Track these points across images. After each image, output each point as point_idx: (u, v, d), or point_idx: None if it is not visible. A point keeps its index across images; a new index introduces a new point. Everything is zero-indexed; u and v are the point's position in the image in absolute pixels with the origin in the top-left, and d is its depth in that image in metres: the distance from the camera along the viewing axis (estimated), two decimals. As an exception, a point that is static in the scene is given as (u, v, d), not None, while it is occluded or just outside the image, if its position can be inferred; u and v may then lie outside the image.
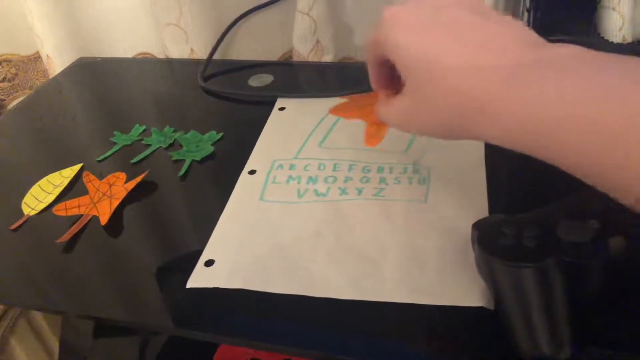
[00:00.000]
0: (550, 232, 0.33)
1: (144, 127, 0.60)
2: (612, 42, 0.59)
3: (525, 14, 0.61)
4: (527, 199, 0.45)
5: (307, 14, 0.67)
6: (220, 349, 0.67)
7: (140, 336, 0.69)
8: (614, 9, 0.58)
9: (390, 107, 0.37)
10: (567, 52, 0.27)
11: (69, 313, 0.46)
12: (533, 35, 0.30)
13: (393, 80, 0.39)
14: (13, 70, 0.86)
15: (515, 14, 0.65)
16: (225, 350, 0.67)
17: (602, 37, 0.60)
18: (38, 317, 0.82)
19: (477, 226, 0.37)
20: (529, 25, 0.61)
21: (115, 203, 0.48)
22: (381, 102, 0.39)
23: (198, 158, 0.54)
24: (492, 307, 0.35)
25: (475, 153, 0.49)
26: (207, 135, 0.57)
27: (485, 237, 0.35)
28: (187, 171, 0.53)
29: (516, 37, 0.30)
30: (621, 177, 0.24)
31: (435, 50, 0.30)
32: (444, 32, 0.31)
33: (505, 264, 0.33)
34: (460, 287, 0.37)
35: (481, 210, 0.43)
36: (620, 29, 0.59)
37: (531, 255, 0.32)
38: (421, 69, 0.31)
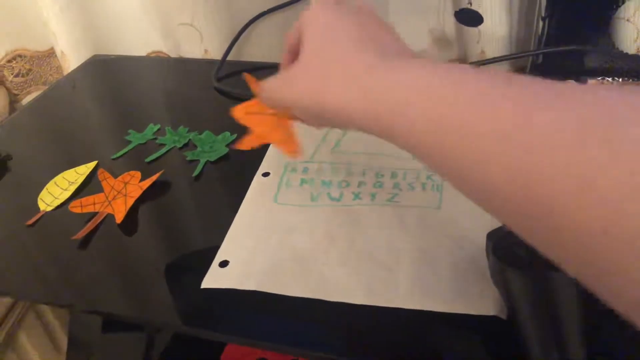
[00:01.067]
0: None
1: (158, 126, 0.61)
2: (626, 53, 0.59)
3: (541, 22, 0.61)
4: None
5: (322, 18, 0.67)
6: (227, 348, 0.68)
7: (147, 333, 0.69)
8: (628, 20, 0.58)
9: (273, 77, 0.38)
10: (421, 60, 0.29)
11: (77, 307, 0.46)
12: (414, 54, 0.33)
13: None
14: (27, 66, 0.87)
15: (529, 22, 0.65)
16: (232, 350, 0.67)
17: (617, 48, 0.60)
18: (46, 311, 0.83)
19: (492, 236, 0.37)
20: (543, 33, 0.61)
21: (131, 201, 0.49)
22: (266, 80, 0.39)
23: (212, 159, 0.54)
24: (505, 317, 0.36)
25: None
26: (220, 136, 0.58)
27: (499, 246, 0.35)
28: (201, 171, 0.53)
29: (403, 48, 0.33)
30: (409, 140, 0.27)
31: (338, 30, 0.33)
32: (353, 23, 0.33)
33: (520, 273, 0.33)
34: (473, 296, 0.37)
35: (495, 218, 0.43)
36: (635, 40, 0.59)
37: (545, 265, 0.33)
38: (317, 40, 0.34)
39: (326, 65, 0.32)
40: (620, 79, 0.60)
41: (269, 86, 0.38)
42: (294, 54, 0.38)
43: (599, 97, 0.21)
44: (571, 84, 0.23)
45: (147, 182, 0.51)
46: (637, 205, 0.18)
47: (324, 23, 0.34)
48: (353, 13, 0.35)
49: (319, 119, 0.34)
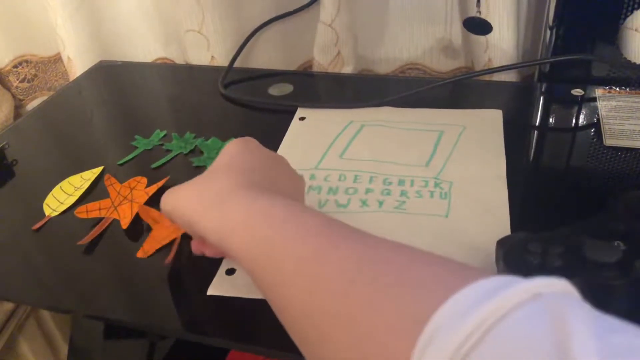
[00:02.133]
0: (576, 252, 0.33)
1: (164, 133, 0.61)
2: (634, 63, 0.59)
3: (548, 31, 0.61)
4: (549, 216, 0.45)
5: (330, 25, 0.67)
6: (230, 355, 0.67)
7: (149, 340, 0.69)
8: (636, 30, 0.58)
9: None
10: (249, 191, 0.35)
11: (81, 313, 0.46)
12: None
13: None
14: (33, 71, 0.87)
15: (537, 31, 0.65)
16: (236, 357, 0.67)
17: (625, 58, 0.60)
18: (46, 316, 0.82)
19: (502, 243, 0.37)
20: (551, 42, 0.61)
21: (137, 207, 0.49)
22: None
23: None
24: (515, 325, 0.35)
25: (497, 169, 0.49)
26: (227, 142, 0.57)
27: (510, 254, 0.35)
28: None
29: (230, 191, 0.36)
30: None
31: (219, 160, 0.40)
32: (231, 154, 0.40)
33: (532, 282, 0.32)
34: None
35: (503, 227, 0.43)
36: (643, 50, 0.59)
37: (557, 274, 0.32)
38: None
39: (197, 184, 0.38)
40: (627, 88, 0.60)
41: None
42: None
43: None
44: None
45: (153, 188, 0.50)
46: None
47: (222, 152, 0.40)
48: (260, 152, 0.41)
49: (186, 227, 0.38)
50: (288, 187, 0.40)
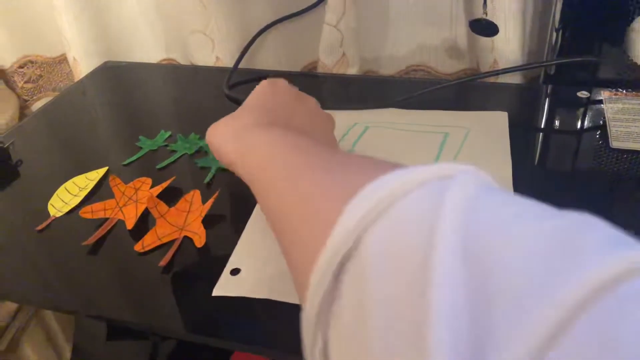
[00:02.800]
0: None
1: (169, 133, 0.61)
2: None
3: (554, 33, 0.61)
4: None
5: (335, 27, 0.67)
6: (233, 356, 0.67)
7: (151, 342, 0.69)
8: (643, 32, 0.58)
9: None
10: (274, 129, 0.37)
11: (82, 313, 0.46)
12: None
13: None
14: (37, 72, 0.87)
15: (542, 33, 0.65)
16: (239, 357, 0.67)
17: (631, 60, 0.60)
18: (50, 317, 0.82)
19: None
20: (557, 44, 0.61)
21: (142, 208, 0.49)
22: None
23: (224, 166, 0.54)
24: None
25: (502, 171, 0.49)
26: (232, 143, 0.57)
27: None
28: (212, 178, 0.53)
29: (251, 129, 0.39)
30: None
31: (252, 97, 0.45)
32: (263, 93, 0.45)
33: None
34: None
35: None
36: (649, 52, 0.59)
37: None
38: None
39: (233, 117, 0.42)
40: (634, 91, 0.60)
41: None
42: None
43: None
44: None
45: (158, 189, 0.50)
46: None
47: (257, 90, 0.45)
48: (284, 92, 0.45)
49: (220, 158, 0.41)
50: (312, 125, 0.44)
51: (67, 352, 0.82)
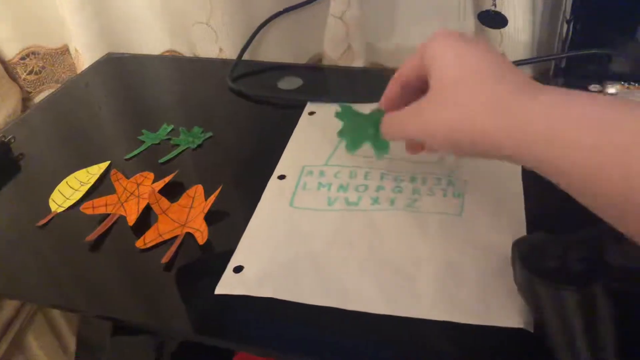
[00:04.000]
0: (597, 255, 0.32)
1: (172, 127, 0.60)
2: (653, 58, 0.58)
3: (565, 25, 0.59)
4: (565, 215, 0.43)
5: (340, 18, 0.66)
6: (237, 355, 0.67)
7: (157, 339, 0.68)
8: (657, 24, 0.57)
9: (399, 112, 0.38)
10: (565, 90, 0.31)
11: (88, 313, 0.45)
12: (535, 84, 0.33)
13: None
14: (40, 63, 0.86)
15: (553, 25, 0.63)
16: (243, 357, 0.66)
17: (644, 52, 0.58)
18: (55, 313, 0.82)
19: (518, 245, 0.35)
20: (567, 36, 0.60)
21: (143, 203, 0.48)
22: (389, 114, 0.41)
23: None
24: (531, 329, 0.34)
25: (512, 166, 0.48)
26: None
27: (527, 256, 0.34)
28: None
29: (526, 77, 0.33)
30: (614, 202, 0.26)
31: (470, 57, 0.34)
32: (482, 50, 0.34)
33: (551, 286, 0.31)
34: (498, 307, 0.36)
35: (519, 226, 0.42)
36: (663, 44, 0.58)
37: (578, 278, 0.31)
38: (452, 68, 0.34)
39: (466, 94, 0.32)
40: (647, 85, 0.59)
41: (397, 123, 0.39)
42: (406, 86, 0.40)
43: None
44: None
45: (160, 184, 0.50)
46: None
47: (455, 55, 0.34)
48: (481, 48, 0.35)
49: (458, 147, 0.34)
50: (526, 80, 0.35)
51: (73, 345, 0.82)
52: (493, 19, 0.61)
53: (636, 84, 0.59)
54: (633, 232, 0.26)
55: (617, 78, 0.60)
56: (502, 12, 0.60)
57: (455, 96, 0.33)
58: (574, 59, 0.61)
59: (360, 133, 0.45)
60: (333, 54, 0.70)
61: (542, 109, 0.29)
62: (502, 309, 0.36)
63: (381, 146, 0.43)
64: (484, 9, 0.62)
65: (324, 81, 0.69)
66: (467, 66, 0.33)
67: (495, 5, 0.60)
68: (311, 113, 0.59)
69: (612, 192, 0.26)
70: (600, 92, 0.59)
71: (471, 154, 0.33)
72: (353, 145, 0.46)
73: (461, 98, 0.32)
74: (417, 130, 0.36)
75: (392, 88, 0.41)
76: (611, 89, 0.58)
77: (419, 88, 0.38)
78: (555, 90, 0.30)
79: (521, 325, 0.34)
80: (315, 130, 0.56)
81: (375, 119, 0.43)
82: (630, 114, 0.26)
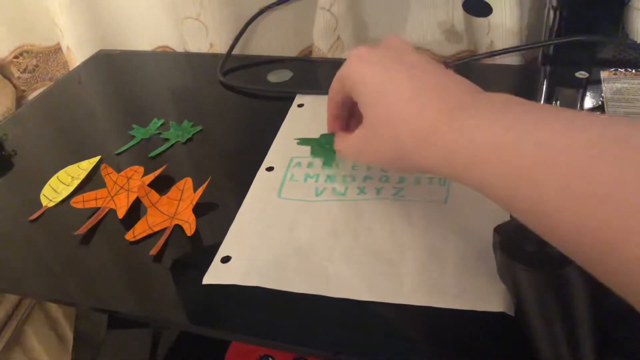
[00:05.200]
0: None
1: (162, 121, 0.60)
2: (639, 44, 0.58)
3: (552, 12, 0.60)
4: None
5: (329, 10, 0.66)
6: (232, 345, 0.67)
7: (153, 330, 0.69)
8: (642, 10, 0.57)
9: (346, 140, 0.41)
10: (500, 97, 0.31)
11: (83, 305, 0.46)
12: (473, 85, 0.34)
13: (349, 124, 0.44)
14: (34, 62, 0.87)
15: (540, 13, 0.64)
16: (237, 347, 0.67)
17: (630, 39, 0.58)
18: (53, 307, 0.83)
19: (499, 230, 0.36)
20: (554, 24, 0.60)
21: (133, 196, 0.48)
22: (338, 138, 0.44)
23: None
24: (512, 313, 0.35)
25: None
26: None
27: (507, 241, 0.34)
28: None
29: (459, 84, 0.34)
30: (521, 200, 0.27)
31: (390, 86, 0.34)
32: (400, 72, 0.35)
33: (528, 269, 0.32)
34: (480, 292, 0.36)
35: (503, 212, 0.42)
36: (649, 30, 0.58)
37: (555, 261, 0.32)
38: (376, 102, 0.35)
39: (393, 131, 0.34)
40: (634, 70, 0.59)
41: (347, 151, 0.42)
42: (343, 108, 0.43)
43: None
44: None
45: (150, 177, 0.50)
46: None
47: (374, 82, 0.35)
48: (397, 61, 0.35)
49: (407, 172, 0.39)
50: (448, 80, 0.35)
51: (71, 340, 0.83)
52: (478, 8, 0.61)
53: (623, 70, 0.59)
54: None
55: (605, 64, 0.60)
56: (487, 1, 0.61)
57: (386, 134, 0.34)
58: (561, 46, 0.61)
59: (326, 151, 0.50)
60: (322, 46, 0.70)
61: (458, 142, 0.30)
62: (483, 293, 0.36)
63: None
64: (470, -2, 0.62)
65: (314, 73, 0.70)
66: (386, 99, 0.34)
67: (479, -7, 0.60)
68: (300, 105, 0.60)
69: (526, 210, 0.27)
70: (587, 78, 0.59)
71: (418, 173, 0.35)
72: (327, 162, 0.50)
73: (392, 136, 0.34)
74: (367, 160, 0.39)
75: (331, 111, 0.44)
76: (598, 76, 0.59)
77: (354, 103, 0.39)
78: (475, 110, 0.30)
79: (501, 309, 0.35)
80: (304, 121, 0.57)
81: (329, 138, 0.47)
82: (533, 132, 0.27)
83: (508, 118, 0.28)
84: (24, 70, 0.86)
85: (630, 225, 0.22)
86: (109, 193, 0.50)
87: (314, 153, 0.51)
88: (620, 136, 0.24)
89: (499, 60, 0.65)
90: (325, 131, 0.54)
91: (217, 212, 0.47)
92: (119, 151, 0.56)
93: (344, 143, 0.42)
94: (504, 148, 0.27)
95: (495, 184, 0.28)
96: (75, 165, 0.55)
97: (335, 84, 0.41)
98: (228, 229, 0.45)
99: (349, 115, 0.44)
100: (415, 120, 0.32)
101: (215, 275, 0.41)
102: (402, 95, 0.33)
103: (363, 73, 0.36)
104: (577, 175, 0.24)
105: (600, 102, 0.55)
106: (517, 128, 0.27)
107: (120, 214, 0.47)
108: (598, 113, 0.27)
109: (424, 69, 0.35)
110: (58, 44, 0.86)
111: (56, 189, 0.52)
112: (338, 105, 0.43)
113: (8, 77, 0.86)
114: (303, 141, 0.53)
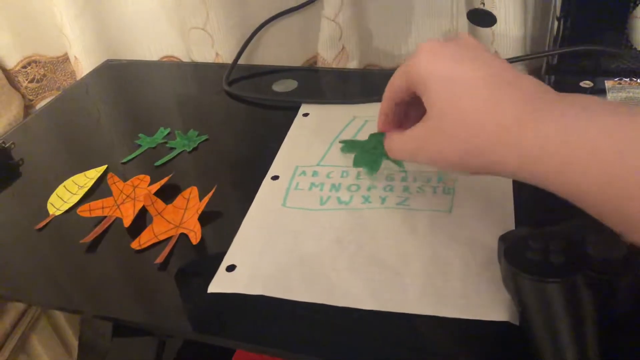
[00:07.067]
0: (578, 247, 0.33)
1: (168, 130, 0.61)
2: (644, 53, 0.58)
3: (556, 22, 0.60)
4: (555, 210, 0.44)
5: (333, 20, 0.67)
6: (236, 354, 0.67)
7: (158, 338, 0.69)
8: (647, 20, 0.57)
9: (402, 137, 0.38)
10: (579, 97, 0.30)
11: (88, 314, 0.46)
12: (545, 85, 0.33)
13: (402, 122, 0.41)
14: (41, 71, 0.88)
15: (544, 22, 0.64)
16: (242, 356, 0.67)
17: (634, 48, 0.58)
18: (58, 315, 0.83)
19: (504, 239, 0.36)
20: (558, 33, 0.60)
21: (139, 205, 0.49)
22: (390, 137, 0.41)
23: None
24: (517, 322, 0.35)
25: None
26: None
27: (512, 250, 0.34)
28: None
29: (535, 82, 0.33)
30: (620, 210, 0.26)
31: (463, 81, 0.32)
32: (473, 69, 0.33)
33: (532, 279, 0.32)
34: (484, 301, 0.36)
35: (508, 222, 0.42)
36: (653, 40, 0.58)
37: (559, 270, 0.32)
38: (446, 97, 0.33)
39: (464, 125, 0.32)
40: (638, 80, 0.59)
41: (403, 149, 0.38)
42: (400, 105, 0.40)
43: None
44: None
45: (156, 186, 0.50)
46: None
47: (446, 77, 0.33)
48: (469, 57, 0.34)
49: (470, 171, 0.34)
50: (520, 77, 0.33)
51: (76, 348, 0.83)
52: (482, 18, 0.61)
53: (627, 79, 0.59)
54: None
55: (609, 74, 0.61)
56: (494, 10, 0.61)
57: (456, 129, 0.32)
58: (566, 56, 0.61)
59: (372, 155, 0.49)
60: (327, 55, 0.70)
61: (548, 143, 0.28)
62: (488, 302, 0.36)
63: (397, 161, 0.48)
64: (473, 8, 0.62)
65: (319, 83, 0.70)
66: (459, 92, 0.32)
67: (483, 3, 0.60)
68: (305, 114, 0.60)
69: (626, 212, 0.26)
70: (592, 87, 0.59)
71: (484, 174, 0.34)
72: (372, 168, 0.48)
73: (465, 130, 0.32)
74: (427, 159, 0.36)
75: (385, 108, 0.41)
76: (603, 85, 0.59)
77: (411, 102, 0.38)
78: (560, 110, 0.29)
79: (506, 319, 0.35)
80: (309, 131, 0.57)
81: (378, 139, 0.45)
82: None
83: (604, 121, 0.27)
84: (32, 80, 0.87)
85: None
86: (115, 202, 0.50)
87: (356, 163, 0.49)
88: None
89: (504, 69, 0.65)
90: (330, 141, 0.55)
91: (223, 221, 0.48)
92: (125, 160, 0.57)
93: (399, 141, 0.39)
94: (605, 155, 0.26)
95: (591, 191, 0.27)
96: (82, 174, 0.55)
97: (397, 80, 0.38)
98: (233, 238, 0.45)
99: (404, 117, 0.41)
100: (493, 117, 0.31)
101: (220, 284, 0.41)
102: (477, 92, 0.32)
103: (434, 67, 0.34)
104: None
105: (604, 112, 0.55)
106: (618, 135, 0.26)
107: (127, 222, 0.47)
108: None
109: (498, 66, 0.33)
110: (66, 54, 0.86)
111: (63, 197, 0.52)
112: (396, 103, 0.40)
113: (16, 87, 0.86)
114: (347, 147, 0.51)
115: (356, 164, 0.50)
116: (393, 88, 0.39)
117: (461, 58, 0.34)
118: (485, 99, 0.31)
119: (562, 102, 0.30)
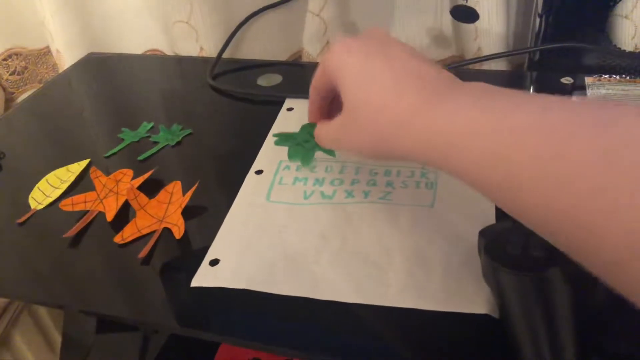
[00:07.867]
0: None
1: (151, 124, 0.60)
2: (624, 51, 0.59)
3: (538, 19, 0.61)
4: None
5: (318, 15, 0.67)
6: (221, 348, 0.68)
7: (142, 333, 0.69)
8: (626, 17, 0.58)
9: (327, 127, 0.41)
10: (477, 84, 0.32)
11: (71, 308, 0.46)
12: (451, 75, 0.35)
13: (334, 112, 0.43)
14: (23, 64, 0.87)
15: (526, 19, 0.65)
16: (227, 350, 0.67)
17: (615, 45, 0.59)
18: (41, 310, 0.82)
19: (484, 233, 0.36)
20: (540, 30, 0.61)
21: (122, 199, 0.49)
22: (319, 127, 0.44)
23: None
24: (497, 315, 0.35)
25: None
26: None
27: (492, 244, 0.35)
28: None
29: (438, 72, 0.34)
30: (500, 186, 0.27)
31: (371, 73, 0.35)
32: (382, 60, 0.35)
33: (511, 272, 0.32)
34: (465, 294, 0.37)
35: (488, 216, 0.43)
36: (633, 37, 0.59)
37: (537, 264, 0.32)
38: (356, 88, 0.36)
39: (373, 116, 0.34)
40: (618, 77, 0.60)
41: (327, 138, 0.42)
42: (325, 97, 0.43)
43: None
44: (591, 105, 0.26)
45: (139, 180, 0.50)
46: None
47: (356, 71, 0.36)
48: (379, 51, 0.36)
49: (386, 160, 0.38)
50: (428, 67, 0.35)
51: (59, 343, 0.83)
52: (465, 14, 0.62)
53: (607, 76, 0.60)
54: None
55: (590, 71, 0.61)
56: (477, 7, 0.61)
57: (366, 120, 0.35)
58: (547, 52, 0.62)
59: (305, 149, 0.49)
60: (312, 50, 0.70)
61: (435, 125, 0.30)
62: (468, 296, 0.37)
63: (328, 151, 0.49)
64: (456, 4, 0.63)
65: (303, 78, 0.70)
66: (367, 84, 0.35)
67: (467, 0, 0.61)
68: (289, 109, 0.60)
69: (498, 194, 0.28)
70: (572, 84, 0.60)
71: (401, 161, 0.35)
72: (305, 161, 0.49)
73: (371, 122, 0.34)
74: (347, 146, 0.38)
75: (313, 100, 0.44)
76: (583, 82, 0.60)
77: (337, 92, 0.40)
78: (454, 96, 0.31)
79: (486, 311, 0.35)
80: (293, 125, 0.57)
81: (310, 131, 0.46)
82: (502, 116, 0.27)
83: (484, 103, 0.29)
84: (13, 72, 0.86)
85: (597, 204, 0.22)
86: (98, 196, 0.50)
87: (290, 156, 0.50)
88: (592, 119, 0.24)
89: (487, 65, 0.66)
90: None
91: (206, 215, 0.48)
92: (108, 154, 0.56)
93: (324, 130, 0.42)
94: (480, 132, 0.28)
95: (472, 169, 0.28)
96: (64, 168, 0.55)
97: (318, 73, 0.41)
98: (217, 232, 0.45)
99: (332, 107, 0.44)
100: (394, 105, 0.33)
101: (203, 278, 0.41)
102: (383, 82, 0.34)
103: (345, 61, 0.36)
104: (549, 157, 0.24)
105: (584, 108, 0.55)
106: (494, 112, 0.28)
107: (109, 216, 0.47)
108: (572, 97, 0.28)
109: (404, 58, 0.35)
110: (47, 46, 0.85)
111: (45, 191, 0.52)
112: (320, 94, 0.43)
113: (-3, 80, 0.85)
114: (281, 140, 0.52)
115: (290, 157, 0.50)
116: (316, 82, 0.42)
117: (371, 52, 0.36)
118: (390, 91, 0.33)
119: (459, 89, 0.32)
